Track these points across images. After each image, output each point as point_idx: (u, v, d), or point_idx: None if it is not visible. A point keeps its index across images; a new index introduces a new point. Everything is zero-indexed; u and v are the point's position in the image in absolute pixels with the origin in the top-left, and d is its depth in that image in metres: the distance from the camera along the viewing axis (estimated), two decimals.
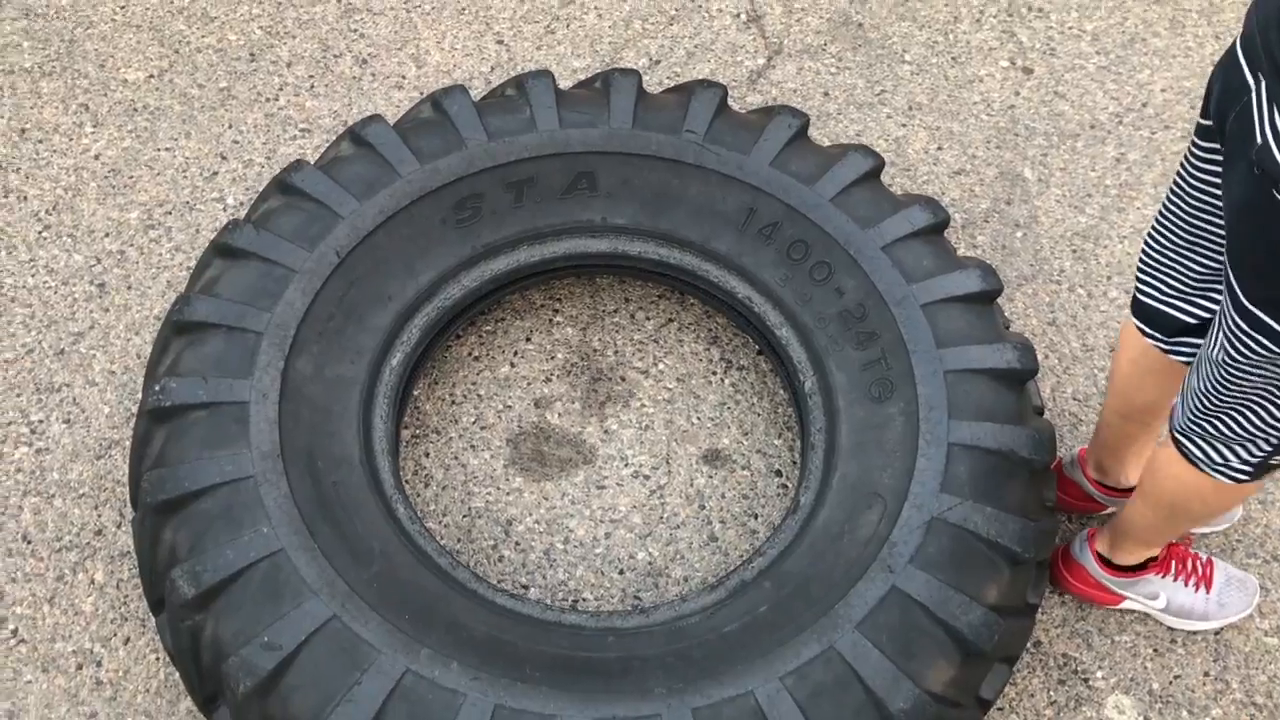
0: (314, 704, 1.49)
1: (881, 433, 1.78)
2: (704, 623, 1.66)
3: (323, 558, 1.60)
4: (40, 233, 2.22)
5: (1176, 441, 1.53)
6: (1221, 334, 1.36)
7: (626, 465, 2.02)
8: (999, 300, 2.06)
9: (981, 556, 1.64)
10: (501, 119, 2.03)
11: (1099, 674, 1.84)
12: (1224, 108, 1.27)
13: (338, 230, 1.89)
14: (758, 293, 1.98)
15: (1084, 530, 1.88)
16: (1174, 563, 1.84)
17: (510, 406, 2.07)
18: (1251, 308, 1.28)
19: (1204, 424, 1.47)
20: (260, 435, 1.68)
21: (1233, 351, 1.34)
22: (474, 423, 2.05)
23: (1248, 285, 1.28)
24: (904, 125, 2.48)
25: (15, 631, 1.82)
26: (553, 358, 2.13)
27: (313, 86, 2.46)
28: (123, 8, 2.55)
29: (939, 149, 2.45)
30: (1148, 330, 1.64)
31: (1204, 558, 1.87)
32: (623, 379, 2.11)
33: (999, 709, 1.80)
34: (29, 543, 1.90)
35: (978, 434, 1.73)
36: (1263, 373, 1.34)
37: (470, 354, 2.13)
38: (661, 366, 2.13)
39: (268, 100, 2.43)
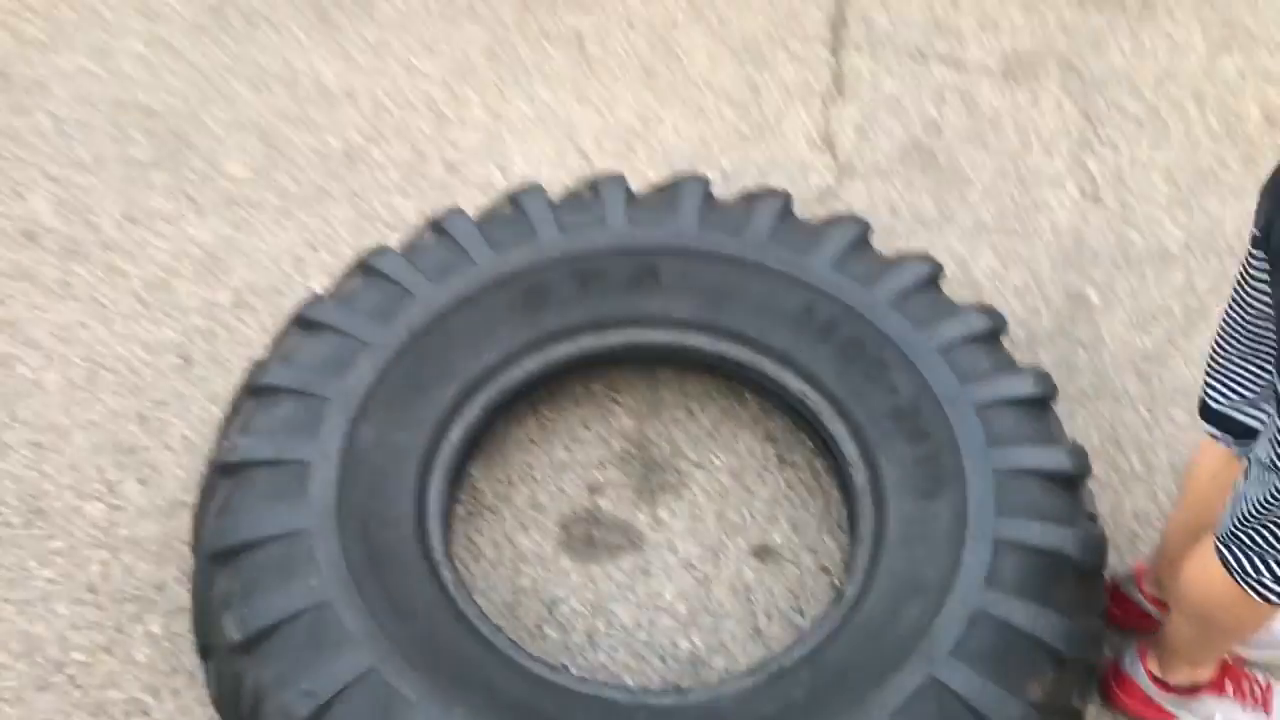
0: None
1: (929, 527, 1.77)
2: (739, 707, 1.64)
3: (367, 612, 1.63)
4: (136, 308, 2.36)
5: (1218, 548, 1.50)
6: (1268, 438, 1.35)
7: (675, 554, 2.03)
8: (1061, 416, 2.05)
9: (1024, 652, 1.61)
10: (574, 215, 2.13)
11: None
12: (1272, 219, 1.30)
13: (411, 309, 1.98)
14: (812, 388, 2.01)
15: (1134, 646, 1.83)
16: (1228, 682, 1.78)
17: (564, 490, 2.11)
18: None
19: (1246, 532, 1.45)
20: (319, 493, 1.74)
21: (1277, 458, 1.33)
22: (527, 503, 2.09)
23: None
24: (970, 244, 2.53)
25: (72, 677, 1.87)
26: (609, 446, 2.17)
27: (403, 188, 2.59)
28: (232, 109, 2.74)
29: (1004, 268, 2.48)
30: (1216, 434, 1.63)
31: (1263, 680, 1.81)
32: (677, 470, 2.14)
33: None
34: (94, 593, 1.96)
35: (1025, 531, 1.71)
36: None
37: (529, 438, 2.18)
38: (716, 460, 2.16)
39: (359, 198, 2.57)
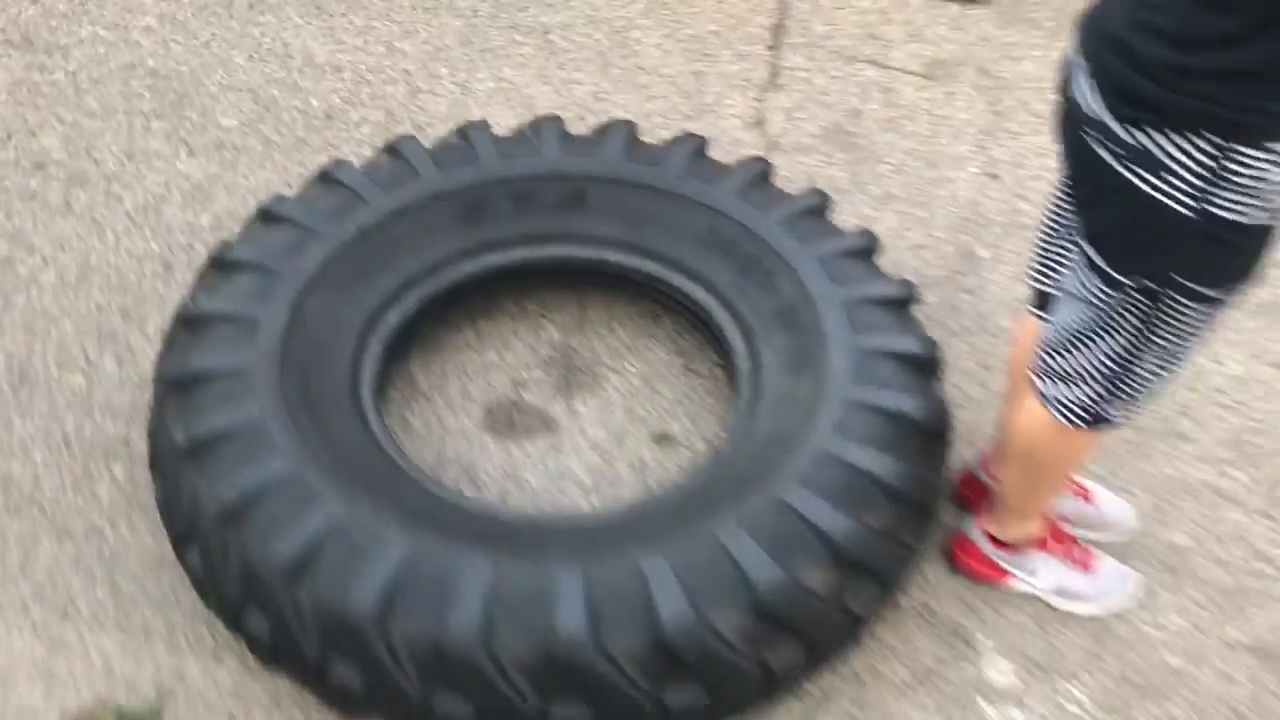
0: (265, 532, 1.76)
1: (796, 397, 2.03)
2: (606, 521, 1.89)
3: (296, 433, 1.89)
4: (128, 225, 2.66)
5: (1030, 380, 1.76)
6: (1071, 271, 1.62)
7: (585, 438, 2.29)
8: (944, 346, 2.26)
9: (861, 487, 1.85)
10: (515, 146, 2.43)
11: (982, 637, 1.99)
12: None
13: (361, 212, 2.27)
14: (712, 296, 2.28)
15: (975, 516, 2.07)
16: (1054, 542, 2.01)
17: (491, 385, 2.37)
18: (1085, 243, 1.54)
19: (1048, 359, 1.70)
20: (265, 343, 2.02)
21: (1076, 283, 1.59)
22: (458, 393, 2.36)
23: (1085, 219, 1.55)
24: (876, 210, 2.81)
25: (42, 508, 2.13)
26: (536, 353, 2.44)
27: (373, 142, 2.90)
28: (230, 75, 3.07)
29: (905, 230, 2.77)
30: (1044, 315, 1.88)
31: (1082, 545, 2.04)
32: (594, 374, 2.41)
33: (888, 650, 1.96)
34: (67, 445, 2.23)
35: (873, 396, 1.97)
36: (1096, 308, 1.58)
37: (466, 344, 2.45)
38: (630, 368, 2.42)
39: (334, 149, 2.88)
